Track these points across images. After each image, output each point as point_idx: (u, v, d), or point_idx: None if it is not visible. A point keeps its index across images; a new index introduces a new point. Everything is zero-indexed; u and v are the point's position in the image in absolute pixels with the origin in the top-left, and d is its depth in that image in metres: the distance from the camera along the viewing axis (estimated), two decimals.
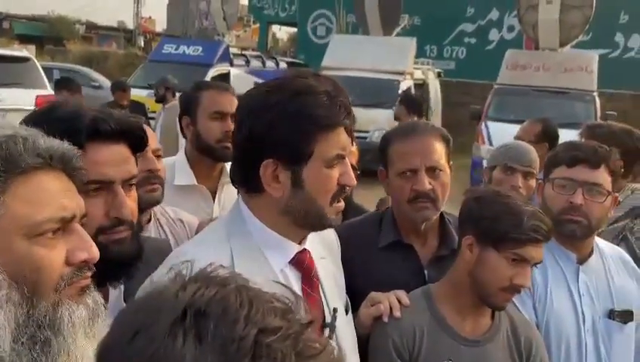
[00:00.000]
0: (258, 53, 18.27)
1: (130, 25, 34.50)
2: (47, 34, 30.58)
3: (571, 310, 1.71)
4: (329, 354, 0.55)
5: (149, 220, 1.82)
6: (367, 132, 9.57)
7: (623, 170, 1.86)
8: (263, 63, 15.10)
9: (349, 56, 11.48)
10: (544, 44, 10.92)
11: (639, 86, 16.48)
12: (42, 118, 1.07)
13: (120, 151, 1.14)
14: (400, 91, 10.79)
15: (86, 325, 0.81)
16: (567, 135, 2.90)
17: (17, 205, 0.77)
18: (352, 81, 8.88)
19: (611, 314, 1.72)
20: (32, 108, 6.54)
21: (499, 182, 2.32)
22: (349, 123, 1.17)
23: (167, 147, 2.84)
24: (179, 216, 1.91)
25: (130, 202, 1.13)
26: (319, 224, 1.19)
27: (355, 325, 1.40)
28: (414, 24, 18.15)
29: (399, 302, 1.46)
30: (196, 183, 2.16)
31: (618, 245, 2.01)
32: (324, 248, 1.34)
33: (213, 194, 2.18)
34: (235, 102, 1.99)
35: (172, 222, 1.89)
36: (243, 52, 16.06)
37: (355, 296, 1.44)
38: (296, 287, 1.19)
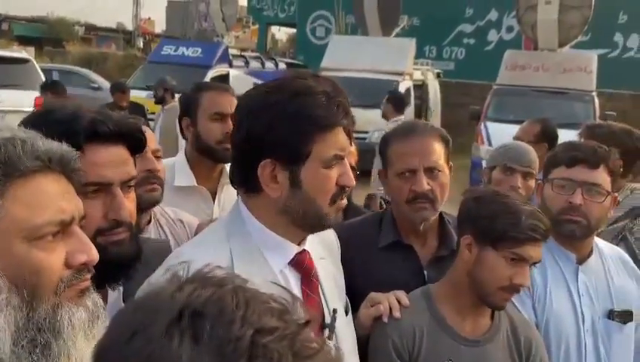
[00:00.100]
0: (257, 54, 18.28)
1: (130, 26, 34.51)
2: (47, 35, 30.58)
3: (571, 310, 1.71)
4: (326, 354, 0.55)
5: (149, 221, 1.82)
6: (366, 133, 9.56)
7: (622, 169, 1.86)
8: (262, 64, 15.11)
9: (349, 57, 11.49)
10: (543, 44, 10.93)
11: (638, 86, 16.50)
12: (40, 120, 1.07)
13: (118, 152, 1.13)
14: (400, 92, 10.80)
15: (86, 327, 0.81)
16: (566, 135, 2.90)
17: (16, 208, 0.77)
18: (352, 82, 8.88)
19: (611, 315, 1.72)
20: (31, 109, 6.54)
21: (498, 183, 2.32)
22: (348, 123, 1.17)
23: (166, 148, 2.83)
24: (179, 217, 1.91)
25: (128, 203, 1.13)
26: (318, 224, 1.19)
27: (354, 326, 1.40)
28: (413, 25, 18.15)
29: (399, 302, 1.46)
30: (196, 184, 2.16)
31: (617, 245, 2.01)
32: (323, 249, 1.33)
33: (213, 195, 2.18)
34: (235, 102, 1.99)
35: (172, 223, 1.89)
36: (242, 53, 16.06)
37: (355, 296, 1.44)
38: (296, 288, 1.19)
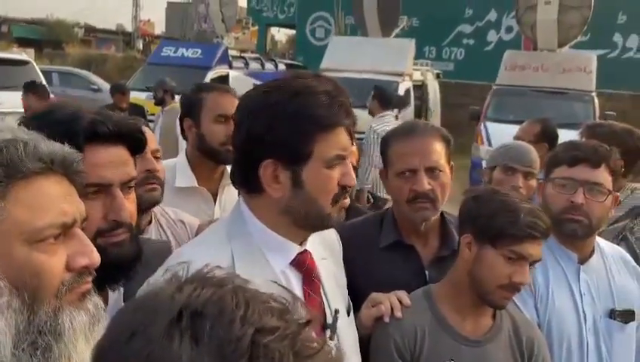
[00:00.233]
0: (257, 55, 18.28)
1: (129, 28, 34.56)
2: (46, 37, 30.60)
3: (572, 310, 1.71)
4: (327, 354, 0.55)
5: (150, 222, 1.82)
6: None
7: (623, 169, 1.86)
8: (262, 65, 15.11)
9: (348, 57, 11.47)
10: (543, 44, 10.92)
11: (638, 86, 16.50)
12: (40, 121, 1.07)
13: (118, 153, 1.13)
14: (399, 93, 10.80)
15: (87, 330, 0.81)
16: (566, 135, 2.90)
17: (18, 211, 0.77)
18: (351, 83, 8.86)
19: (612, 314, 1.72)
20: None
21: (499, 183, 2.32)
22: (350, 123, 1.16)
23: (166, 149, 2.83)
24: (180, 218, 1.91)
25: (128, 204, 1.13)
26: (320, 225, 1.19)
27: (356, 326, 1.40)
28: (413, 25, 18.14)
29: (400, 302, 1.46)
30: (197, 185, 2.15)
31: (618, 245, 2.01)
32: (325, 249, 1.33)
33: (214, 196, 2.18)
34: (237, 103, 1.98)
35: (173, 223, 1.88)
36: (242, 54, 16.06)
37: (356, 296, 1.44)
38: (297, 288, 1.19)
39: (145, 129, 1.45)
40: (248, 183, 1.17)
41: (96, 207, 1.07)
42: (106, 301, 1.09)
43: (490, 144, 8.44)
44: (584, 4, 10.90)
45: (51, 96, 9.22)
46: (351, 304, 1.38)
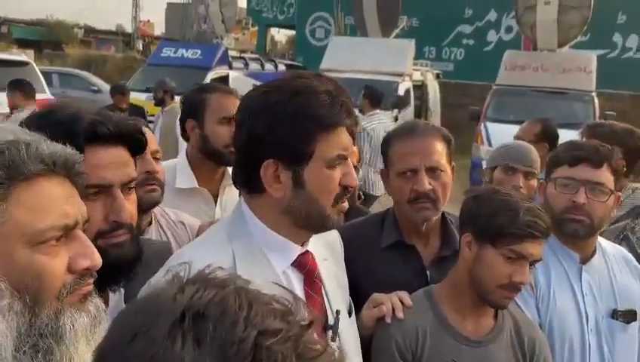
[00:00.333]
0: (257, 55, 18.29)
1: (129, 28, 34.58)
2: (46, 38, 30.62)
3: (574, 310, 1.71)
4: (330, 356, 0.54)
5: (150, 223, 1.82)
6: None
7: (625, 169, 1.85)
8: (262, 66, 15.12)
9: (348, 58, 11.47)
10: (542, 44, 10.92)
11: (638, 86, 16.50)
12: (40, 121, 1.06)
13: (119, 154, 1.13)
14: (399, 93, 10.79)
15: (88, 332, 0.80)
16: (566, 135, 2.90)
17: (20, 212, 0.76)
18: (351, 83, 8.86)
19: (614, 314, 1.72)
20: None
21: (500, 183, 2.31)
22: (351, 123, 1.16)
23: (166, 150, 2.83)
24: (180, 218, 1.90)
25: (129, 205, 1.12)
26: (321, 225, 1.18)
27: (357, 326, 1.39)
28: (412, 26, 18.14)
29: (402, 302, 1.45)
30: (197, 186, 2.15)
31: (619, 244, 2.01)
32: (326, 249, 1.33)
33: (215, 196, 2.17)
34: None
35: (173, 224, 1.88)
36: (242, 55, 16.06)
37: (358, 296, 1.43)
38: (299, 289, 1.19)
39: (145, 130, 1.44)
40: (249, 183, 1.16)
41: (97, 208, 1.07)
42: (106, 302, 1.09)
43: (490, 144, 8.44)
44: (584, 4, 10.89)
45: (51, 97, 9.24)
46: (352, 305, 1.38)
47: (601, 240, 1.85)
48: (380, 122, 6.49)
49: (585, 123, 2.85)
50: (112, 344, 0.53)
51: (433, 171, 1.59)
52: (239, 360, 0.49)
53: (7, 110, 6.70)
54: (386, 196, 2.30)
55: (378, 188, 6.29)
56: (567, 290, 1.73)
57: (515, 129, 3.57)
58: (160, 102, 6.87)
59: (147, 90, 9.10)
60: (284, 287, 1.14)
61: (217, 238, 1.18)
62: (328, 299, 1.25)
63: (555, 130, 3.33)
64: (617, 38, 20.13)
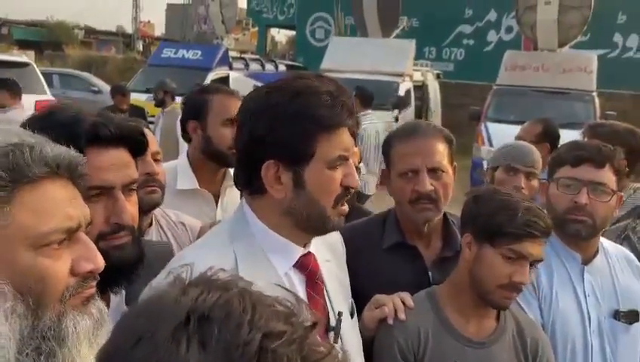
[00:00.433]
0: (257, 56, 18.30)
1: (129, 29, 34.60)
2: (46, 39, 30.63)
3: (577, 311, 1.70)
4: (334, 358, 0.54)
5: (150, 224, 1.81)
6: None
7: (627, 169, 1.85)
8: (262, 66, 15.13)
9: (348, 58, 11.47)
10: (543, 44, 10.92)
11: (638, 86, 16.49)
12: (41, 123, 1.06)
13: (120, 155, 1.12)
14: (400, 93, 10.79)
15: (90, 335, 0.80)
16: (567, 135, 2.90)
17: (23, 215, 0.76)
18: (352, 83, 8.87)
19: (617, 315, 1.71)
20: (32, 113, 6.52)
21: (501, 183, 2.31)
22: (352, 124, 1.16)
23: (166, 151, 2.82)
24: (180, 220, 1.90)
25: (130, 207, 1.12)
26: (322, 227, 1.18)
27: (359, 328, 1.39)
28: (413, 26, 18.14)
29: (404, 304, 1.45)
30: (198, 187, 2.15)
31: (621, 244, 2.00)
32: (328, 251, 1.32)
33: (216, 198, 2.17)
34: None
35: (174, 225, 1.88)
36: (242, 55, 16.09)
37: (359, 297, 1.43)
38: (301, 291, 1.18)
39: (146, 131, 1.44)
40: (251, 184, 1.16)
41: (98, 210, 1.07)
42: (107, 304, 1.09)
43: (490, 144, 8.44)
44: (584, 4, 10.89)
45: (51, 98, 9.23)
46: (354, 306, 1.38)
47: (603, 240, 1.85)
48: (370, 122, 6.52)
49: (586, 123, 2.85)
50: (116, 348, 0.52)
51: (435, 172, 1.58)
52: None
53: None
54: (378, 195, 2.29)
55: (369, 188, 6.33)
56: (569, 291, 1.72)
57: (515, 129, 3.56)
58: (160, 103, 6.87)
59: (147, 91, 9.11)
60: (286, 289, 1.13)
61: (219, 240, 1.18)
62: (330, 301, 1.25)
63: (556, 130, 3.33)
64: (617, 37, 20.14)
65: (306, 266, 1.20)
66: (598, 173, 1.71)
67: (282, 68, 16.26)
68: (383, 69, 11.24)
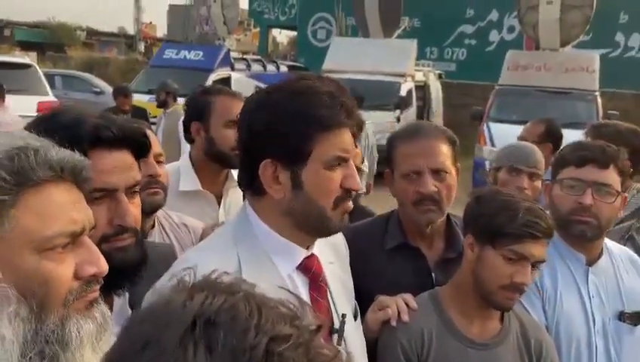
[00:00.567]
0: (259, 57, 18.30)
1: (131, 30, 34.67)
2: (49, 40, 30.69)
3: (581, 312, 1.69)
4: (339, 361, 0.54)
5: (153, 225, 1.81)
6: None
7: (631, 170, 1.85)
8: (264, 67, 15.15)
9: (350, 58, 11.48)
10: (545, 44, 10.91)
11: None
12: (44, 125, 1.06)
13: (123, 157, 1.12)
14: (401, 93, 10.80)
15: (94, 339, 0.80)
16: (569, 135, 2.89)
17: (27, 219, 0.76)
18: (353, 84, 8.87)
19: (621, 316, 1.71)
20: (34, 114, 6.55)
21: (504, 184, 2.30)
22: (352, 124, 1.15)
23: (168, 152, 2.82)
24: (183, 221, 1.90)
25: (133, 209, 1.12)
26: (322, 228, 1.17)
27: (363, 329, 1.39)
28: (414, 26, 18.15)
29: (407, 305, 1.44)
30: (201, 188, 2.15)
31: (624, 245, 1.99)
32: (331, 252, 1.32)
33: (219, 199, 2.17)
34: None
35: (176, 227, 1.88)
36: (244, 56, 16.09)
37: (362, 299, 1.43)
38: (304, 293, 1.18)
39: (148, 132, 1.44)
40: (252, 185, 1.16)
41: (101, 212, 1.06)
42: (110, 306, 1.09)
43: (493, 144, 8.43)
44: (586, 3, 10.88)
45: (54, 99, 9.25)
46: (357, 308, 1.37)
47: (607, 241, 1.84)
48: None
49: (589, 123, 2.84)
50: (122, 353, 0.52)
51: (438, 173, 1.58)
52: None
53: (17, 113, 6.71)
54: (378, 196, 2.29)
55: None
56: (573, 292, 1.71)
57: (517, 129, 3.55)
58: (162, 104, 6.87)
59: (150, 92, 9.11)
60: (289, 291, 1.13)
61: (222, 242, 1.17)
62: (334, 303, 1.24)
63: (559, 130, 3.32)
64: (619, 37, 20.12)
65: (310, 268, 1.20)
66: (602, 173, 1.70)
67: (284, 68, 16.28)
68: (385, 70, 11.24)
